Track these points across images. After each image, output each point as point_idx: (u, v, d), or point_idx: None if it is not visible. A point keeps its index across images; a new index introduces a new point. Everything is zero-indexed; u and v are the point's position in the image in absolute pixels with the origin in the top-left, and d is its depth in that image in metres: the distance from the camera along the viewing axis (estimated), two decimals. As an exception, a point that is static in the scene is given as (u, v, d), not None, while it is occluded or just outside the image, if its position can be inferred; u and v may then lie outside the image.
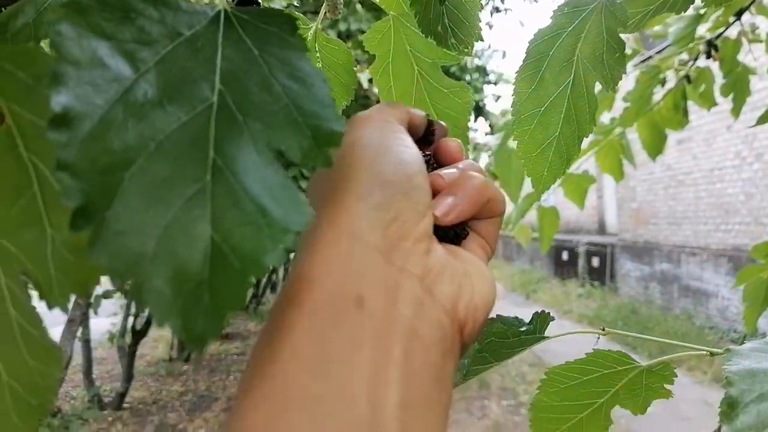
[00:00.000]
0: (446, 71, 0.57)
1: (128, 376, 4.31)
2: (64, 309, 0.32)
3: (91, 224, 0.21)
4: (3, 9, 0.39)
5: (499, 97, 9.74)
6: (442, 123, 0.39)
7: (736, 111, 1.68)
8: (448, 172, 0.34)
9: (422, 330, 0.26)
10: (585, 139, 0.55)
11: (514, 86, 0.53)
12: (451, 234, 0.33)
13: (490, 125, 8.31)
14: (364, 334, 0.25)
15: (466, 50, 0.47)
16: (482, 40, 0.49)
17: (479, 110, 8.20)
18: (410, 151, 0.31)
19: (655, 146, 1.84)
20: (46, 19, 0.31)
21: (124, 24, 0.24)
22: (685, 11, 0.57)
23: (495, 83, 9.07)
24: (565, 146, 0.54)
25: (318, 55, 0.52)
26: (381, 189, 0.28)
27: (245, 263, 0.22)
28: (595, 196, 10.30)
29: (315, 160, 0.25)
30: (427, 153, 0.36)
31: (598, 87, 0.54)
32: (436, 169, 0.35)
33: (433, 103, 0.57)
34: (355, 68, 0.56)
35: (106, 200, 0.22)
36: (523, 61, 0.52)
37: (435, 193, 0.32)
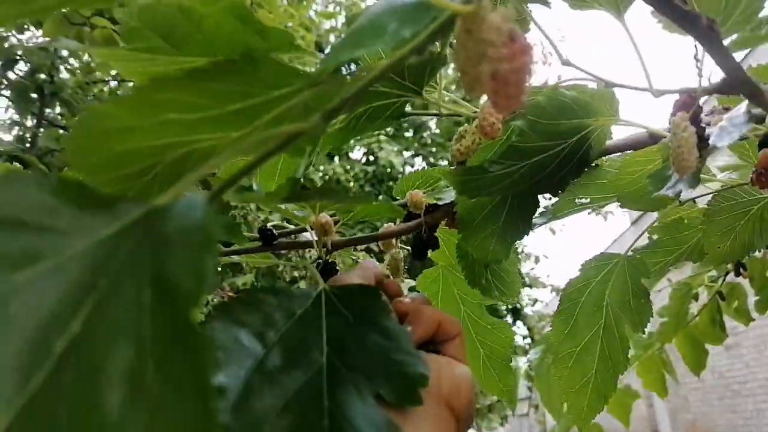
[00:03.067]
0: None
1: None
2: None
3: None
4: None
5: (535, 301, 9.80)
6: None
7: (776, 329, 1.69)
8: (404, 300, 0.42)
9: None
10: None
11: (551, 327, 0.59)
12: None
13: (528, 328, 8.25)
14: None
15: (508, 300, 0.55)
16: (521, 289, 0.56)
17: (517, 313, 8.22)
18: None
19: (698, 362, 1.82)
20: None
21: (255, 313, 0.33)
22: (701, 260, 0.65)
23: (530, 286, 9.20)
24: (602, 383, 0.59)
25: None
26: None
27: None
28: (644, 405, 9.65)
29: (407, 399, 0.32)
30: None
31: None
32: None
33: (479, 338, 0.64)
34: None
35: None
36: (558, 306, 0.59)
37: (401, 315, 0.40)
